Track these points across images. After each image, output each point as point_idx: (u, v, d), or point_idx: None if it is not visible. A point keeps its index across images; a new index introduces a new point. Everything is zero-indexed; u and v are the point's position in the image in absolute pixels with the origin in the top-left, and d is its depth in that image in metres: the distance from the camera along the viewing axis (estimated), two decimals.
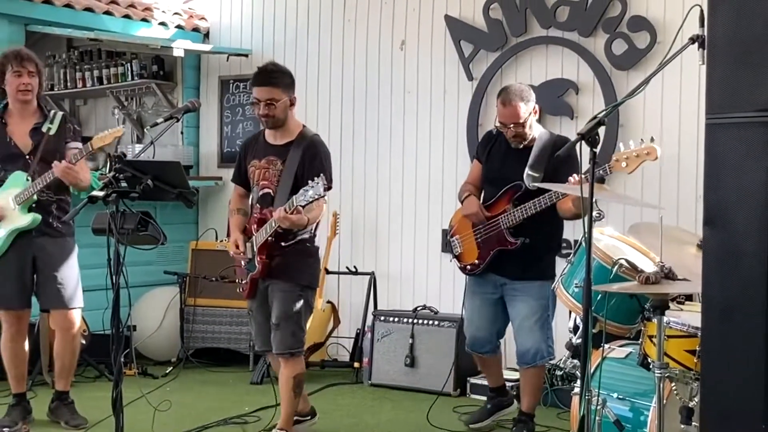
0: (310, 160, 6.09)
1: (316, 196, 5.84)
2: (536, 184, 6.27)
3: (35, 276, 7.03)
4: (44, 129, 6.90)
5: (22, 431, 6.81)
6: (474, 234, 6.64)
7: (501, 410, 6.96)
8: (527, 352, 6.54)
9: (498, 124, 6.63)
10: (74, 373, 7.80)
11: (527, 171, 6.42)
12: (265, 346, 6.57)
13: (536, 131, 6.60)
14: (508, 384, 7.16)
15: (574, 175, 5.94)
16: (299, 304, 6.34)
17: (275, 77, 6.33)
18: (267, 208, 6.21)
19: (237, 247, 6.33)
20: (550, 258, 6.68)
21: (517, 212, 6.39)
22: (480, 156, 6.93)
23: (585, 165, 4.67)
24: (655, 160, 5.62)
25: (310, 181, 5.87)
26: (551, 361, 6.92)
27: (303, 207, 5.89)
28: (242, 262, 6.40)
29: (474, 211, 6.63)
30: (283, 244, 6.22)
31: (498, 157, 6.72)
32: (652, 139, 5.83)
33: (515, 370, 7.09)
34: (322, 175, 5.92)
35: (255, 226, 6.31)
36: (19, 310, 7.15)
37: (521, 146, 6.55)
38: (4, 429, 6.75)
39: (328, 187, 6.07)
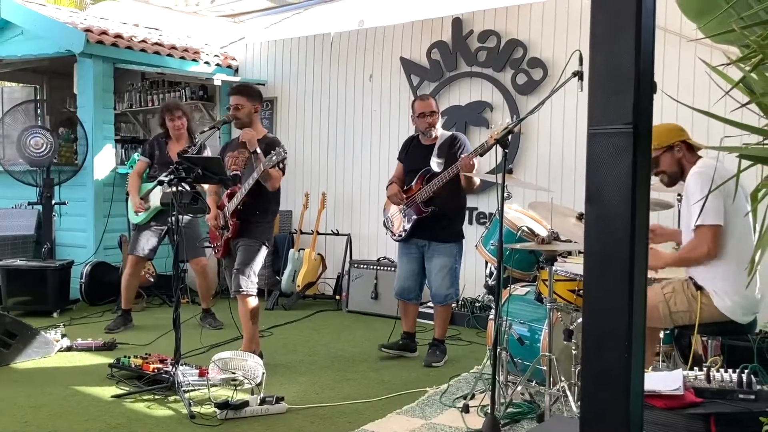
0: (272, 149, 5.90)
1: (279, 159, 5.76)
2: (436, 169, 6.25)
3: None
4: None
5: (121, 330, 7.38)
6: (400, 211, 6.47)
7: (406, 351, 6.59)
8: (439, 295, 6.36)
9: (417, 118, 6.44)
10: (149, 301, 8.88)
11: (433, 159, 6.30)
12: None
13: (439, 132, 6.47)
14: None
15: (464, 155, 6.02)
16: (256, 254, 6.06)
17: (243, 90, 6.21)
18: (235, 185, 6.03)
19: (215, 218, 6.14)
20: (458, 225, 6.45)
21: (428, 187, 6.22)
22: (401, 157, 6.72)
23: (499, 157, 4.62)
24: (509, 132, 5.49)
25: (272, 151, 5.77)
26: (470, 297, 6.76)
27: (271, 167, 5.79)
28: (217, 231, 6.18)
29: (394, 192, 6.46)
30: (249, 210, 6.03)
31: (413, 154, 6.54)
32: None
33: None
34: (283, 145, 5.94)
35: (227, 198, 6.09)
36: (142, 259, 7.64)
37: (432, 135, 6.39)
38: (118, 329, 7.40)
39: (282, 168, 6.02)
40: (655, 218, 6.51)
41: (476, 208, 8.44)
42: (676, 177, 4.69)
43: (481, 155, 5.65)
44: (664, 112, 5.90)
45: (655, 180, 4.70)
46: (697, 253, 4.27)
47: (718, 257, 4.29)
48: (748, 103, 2.56)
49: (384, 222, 6.72)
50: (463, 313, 7.93)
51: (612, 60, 2.45)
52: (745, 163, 2.40)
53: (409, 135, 6.68)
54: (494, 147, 4.80)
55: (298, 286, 9.01)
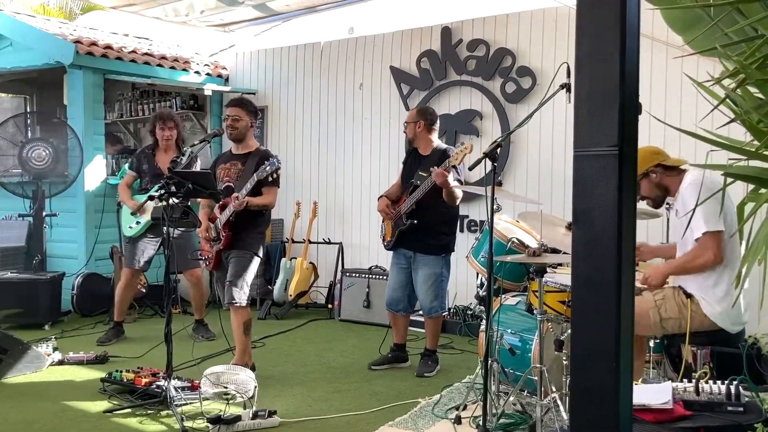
0: (266, 162, 5.95)
1: (271, 170, 5.84)
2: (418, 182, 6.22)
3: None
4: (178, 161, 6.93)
5: (113, 342, 7.43)
6: (390, 221, 6.50)
7: (397, 363, 6.61)
8: (425, 308, 6.38)
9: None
10: (141, 312, 8.89)
11: (418, 171, 6.32)
12: None
13: (436, 143, 6.47)
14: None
15: (435, 168, 5.99)
16: (249, 265, 6.06)
17: (242, 103, 6.24)
18: (228, 197, 6.02)
19: (206, 230, 6.14)
20: (445, 239, 6.39)
21: (409, 200, 6.26)
22: (403, 162, 6.77)
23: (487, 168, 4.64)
24: (471, 151, 5.68)
25: (266, 161, 5.85)
26: (462, 305, 6.76)
27: (262, 180, 5.88)
28: (208, 243, 6.17)
29: (381, 207, 6.52)
30: (241, 221, 6.02)
31: (409, 164, 6.58)
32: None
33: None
34: (276, 156, 5.99)
35: (219, 210, 6.10)
36: (138, 271, 7.68)
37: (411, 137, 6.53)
38: (110, 341, 7.43)
39: (276, 180, 6.06)
40: (644, 227, 6.55)
41: (467, 216, 8.46)
42: (660, 199, 4.74)
43: (470, 169, 5.65)
44: (651, 130, 5.95)
45: None
46: (703, 260, 4.32)
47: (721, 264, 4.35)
48: (733, 120, 2.59)
49: (381, 228, 6.76)
50: (455, 321, 7.95)
51: (596, 82, 2.47)
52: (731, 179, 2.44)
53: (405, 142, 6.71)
54: (483, 160, 4.81)
55: (290, 295, 9.01)
